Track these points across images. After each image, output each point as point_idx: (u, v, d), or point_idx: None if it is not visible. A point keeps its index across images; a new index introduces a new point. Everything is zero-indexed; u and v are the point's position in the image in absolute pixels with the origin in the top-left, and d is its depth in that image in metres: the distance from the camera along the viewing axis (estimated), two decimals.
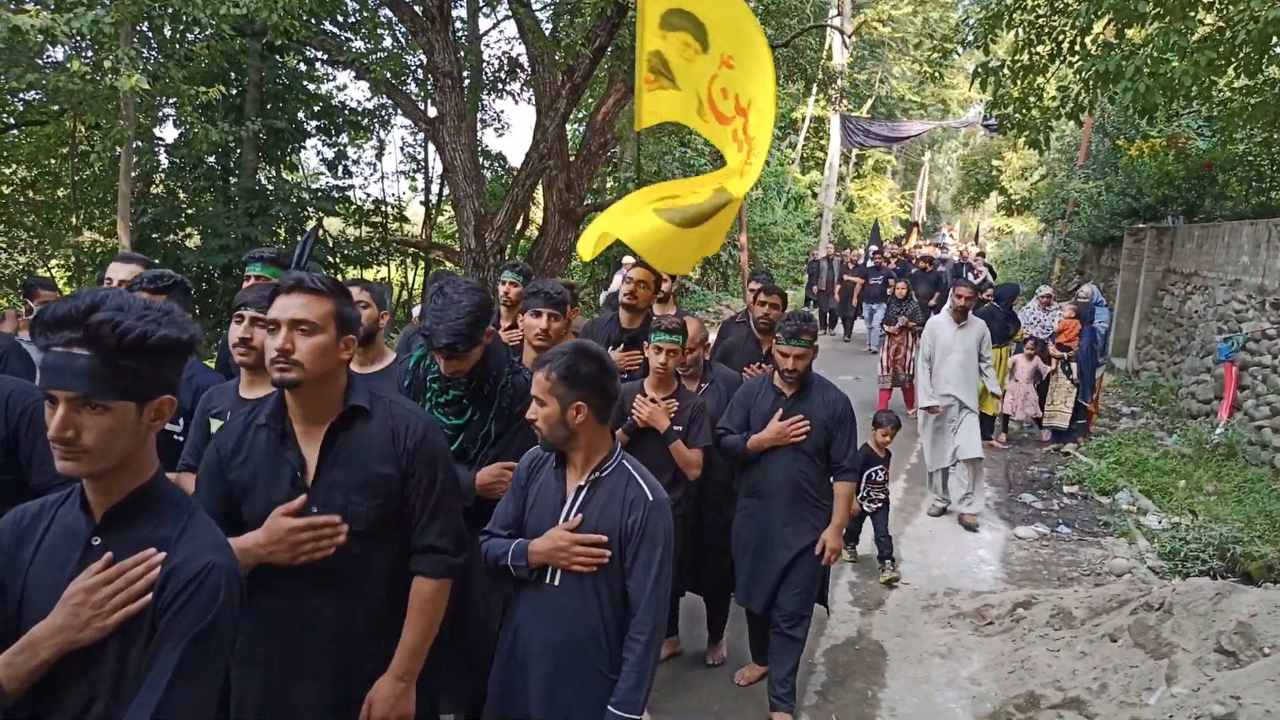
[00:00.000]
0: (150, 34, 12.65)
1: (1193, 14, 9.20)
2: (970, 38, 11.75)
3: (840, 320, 18.25)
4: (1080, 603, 5.21)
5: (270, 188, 15.66)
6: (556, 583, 2.59)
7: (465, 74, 14.52)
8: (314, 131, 17.19)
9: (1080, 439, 10.05)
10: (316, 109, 16.88)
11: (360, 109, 17.46)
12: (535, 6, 14.83)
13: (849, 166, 35.45)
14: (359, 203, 18.11)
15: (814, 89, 20.80)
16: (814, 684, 4.66)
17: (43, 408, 1.68)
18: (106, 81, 9.75)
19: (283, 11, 9.57)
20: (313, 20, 13.24)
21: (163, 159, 15.44)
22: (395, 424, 2.36)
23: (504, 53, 20.61)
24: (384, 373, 3.51)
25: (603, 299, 14.00)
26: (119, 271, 3.83)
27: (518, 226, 15.64)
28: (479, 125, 17.18)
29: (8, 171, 15.23)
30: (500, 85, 17.06)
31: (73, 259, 14.51)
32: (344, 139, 17.90)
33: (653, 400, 4.05)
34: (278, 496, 2.28)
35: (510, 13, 14.78)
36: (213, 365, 4.23)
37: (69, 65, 9.37)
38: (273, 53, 14.85)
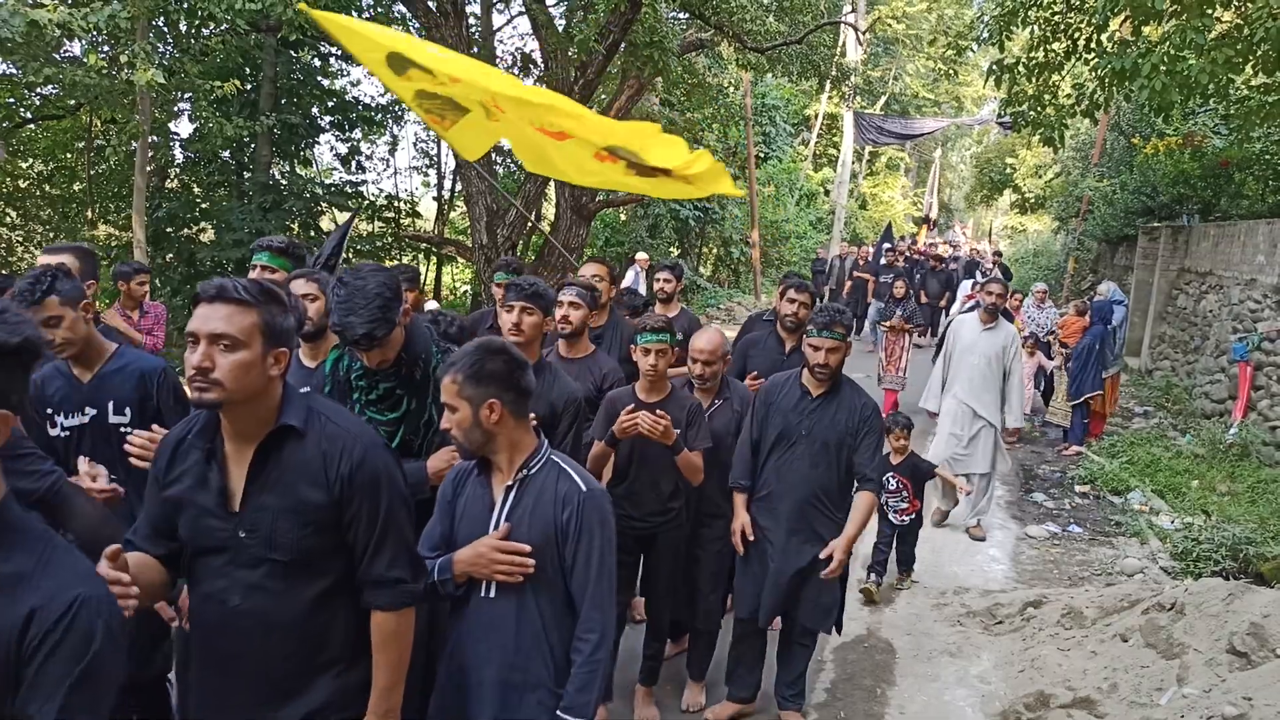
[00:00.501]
0: (166, 29, 12.71)
1: (1210, 11, 9.12)
2: (985, 35, 11.70)
3: (856, 319, 18.09)
4: (1091, 602, 5.19)
5: (284, 183, 15.72)
6: (491, 594, 2.43)
7: None
8: (328, 127, 17.24)
9: (1088, 438, 10.01)
10: (330, 104, 16.93)
11: (374, 104, 17.51)
12: (549, 2, 14.83)
13: (862, 164, 35.36)
14: (372, 198, 18.16)
15: (827, 86, 20.74)
16: (823, 682, 4.66)
17: None
18: (123, 76, 9.82)
19: (297, 7, 9.61)
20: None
21: (178, 154, 15.52)
22: (329, 446, 2.13)
23: (517, 48, 20.69)
24: (322, 366, 3.38)
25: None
26: (47, 259, 3.59)
27: (529, 223, 15.64)
28: None
29: (24, 165, 15.34)
30: None
31: None
32: (358, 134, 17.95)
33: (645, 410, 3.76)
34: (206, 517, 2.13)
35: (524, 8, 14.79)
36: None
37: (86, 60, 9.43)
38: (287, 48, 14.90)
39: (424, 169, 20.15)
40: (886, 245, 18.68)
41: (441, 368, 2.44)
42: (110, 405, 3.04)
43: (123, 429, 3.01)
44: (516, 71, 16.82)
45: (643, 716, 4.18)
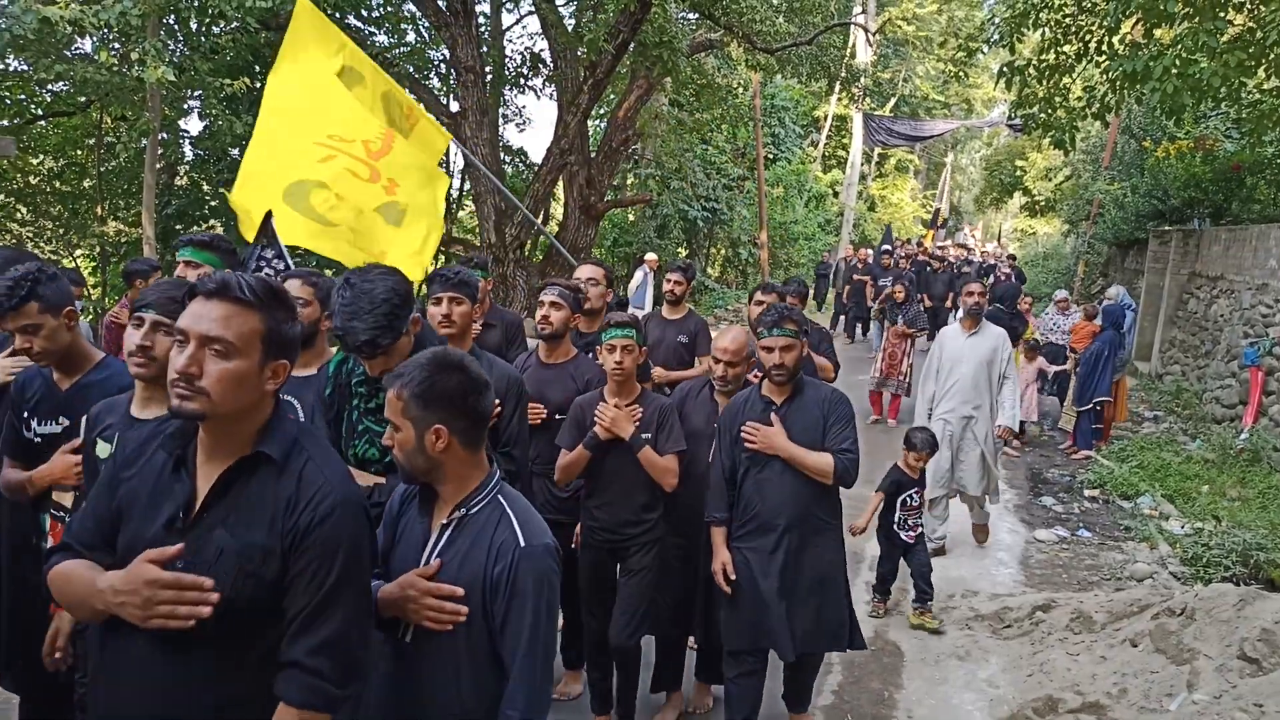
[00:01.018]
0: (176, 26, 12.72)
1: (1222, 14, 9.08)
2: (995, 36, 11.65)
3: (855, 322, 17.78)
4: (1100, 607, 5.16)
5: None
6: (408, 639, 2.11)
7: (488, 69, 14.56)
8: None
9: (1097, 443, 9.96)
10: None
11: None
12: (558, 2, 14.83)
13: (871, 165, 35.31)
14: None
15: (837, 87, 20.71)
16: (830, 684, 4.64)
17: None
18: (133, 73, 9.83)
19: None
20: (337, 14, 13.29)
21: (187, 151, 15.54)
22: (300, 489, 1.82)
23: (526, 48, 20.70)
24: (316, 376, 3.21)
25: (630, 291, 13.98)
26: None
27: (539, 221, 15.64)
28: (501, 120, 17.23)
29: (35, 162, 15.39)
30: (522, 80, 17.11)
31: (98, 249, 14.66)
32: None
33: (615, 405, 3.67)
34: (149, 532, 1.82)
35: (533, 8, 14.80)
36: None
37: (97, 56, 9.45)
38: None
39: None
40: (885, 248, 18.59)
41: (388, 378, 2.13)
42: (85, 419, 2.76)
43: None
44: (526, 71, 16.84)
45: None
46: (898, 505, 5.44)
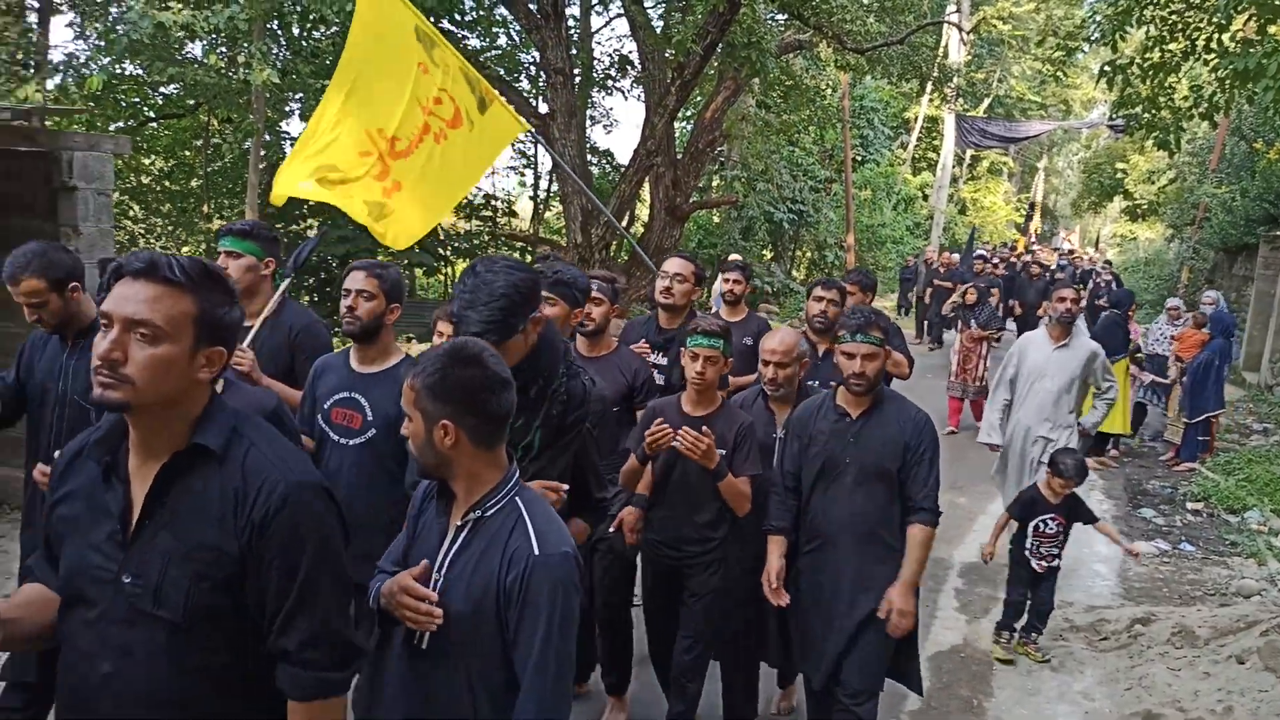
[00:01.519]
0: (280, 31, 13.20)
1: None
2: (1096, 35, 11.26)
3: (934, 328, 16.97)
4: (1204, 622, 4.95)
5: None
6: (424, 645, 2.01)
7: (576, 71, 14.70)
8: None
9: (1202, 455, 9.54)
10: None
11: None
12: (647, 3, 14.91)
13: (963, 168, 34.55)
14: (470, 197, 18.53)
15: (928, 87, 20.32)
16: None
17: None
18: (239, 76, 10.24)
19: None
20: (431, 18, 13.60)
21: (287, 151, 16.12)
22: (246, 480, 1.69)
23: (615, 50, 20.84)
24: (387, 373, 3.22)
25: (713, 293, 13.97)
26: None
27: (624, 223, 15.74)
28: (588, 122, 17.40)
29: (147, 162, 16.16)
30: (610, 82, 17.24)
31: (204, 245, 15.31)
32: None
33: (688, 424, 3.37)
34: (91, 551, 1.69)
35: (622, 10, 14.89)
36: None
37: (206, 60, 9.87)
38: None
39: (521, 169, 20.47)
40: (980, 254, 18.04)
41: (404, 366, 2.11)
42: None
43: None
44: (614, 73, 16.96)
45: None
46: (1029, 530, 4.94)
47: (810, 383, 4.28)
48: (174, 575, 1.64)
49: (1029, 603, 4.98)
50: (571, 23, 15.27)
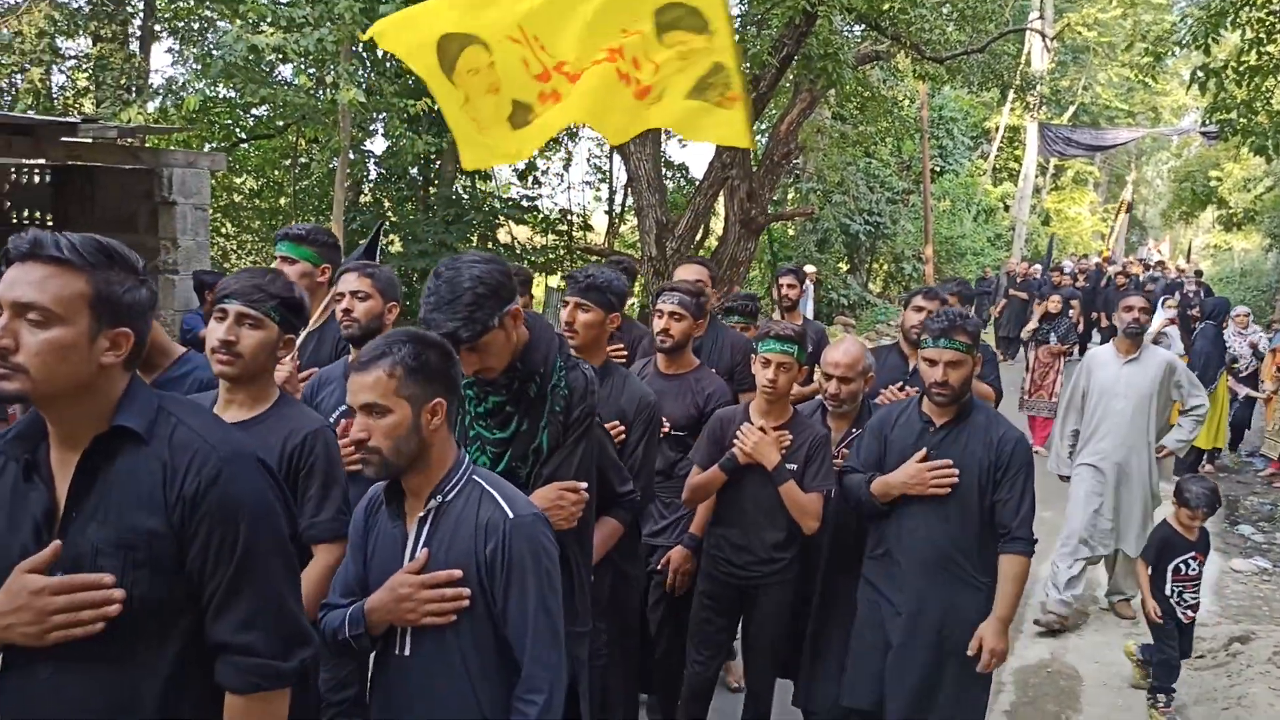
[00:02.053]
0: (364, 53, 13.61)
1: None
2: (1188, 39, 10.92)
3: (1007, 341, 16.65)
4: None
5: (465, 197, 16.50)
6: (406, 652, 1.95)
7: None
8: None
9: None
10: None
11: None
12: None
13: (1046, 178, 33.72)
14: (546, 212, 18.81)
15: (1010, 96, 19.92)
16: (1001, 703, 4.44)
17: None
18: (327, 96, 10.59)
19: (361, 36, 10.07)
20: None
21: (371, 170, 16.59)
22: (174, 457, 1.57)
23: None
24: None
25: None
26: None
27: (698, 236, 15.76)
28: (663, 135, 17.49)
29: (239, 181, 16.82)
30: None
31: None
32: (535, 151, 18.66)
33: (760, 429, 3.24)
34: (14, 554, 1.57)
35: None
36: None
37: (296, 80, 10.23)
38: None
39: (596, 184, 20.68)
40: (1066, 265, 17.50)
41: (360, 358, 1.94)
42: None
43: None
44: None
45: None
46: (1169, 573, 4.40)
47: (873, 400, 3.95)
48: (107, 568, 1.53)
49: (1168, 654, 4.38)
50: None
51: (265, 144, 16.23)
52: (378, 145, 16.81)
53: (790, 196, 20.61)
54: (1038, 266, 18.35)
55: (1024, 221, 28.20)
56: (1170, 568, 4.40)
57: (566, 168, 19.50)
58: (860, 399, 3.54)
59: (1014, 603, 3.06)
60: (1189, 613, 4.40)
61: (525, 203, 18.47)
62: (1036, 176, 30.09)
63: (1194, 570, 4.41)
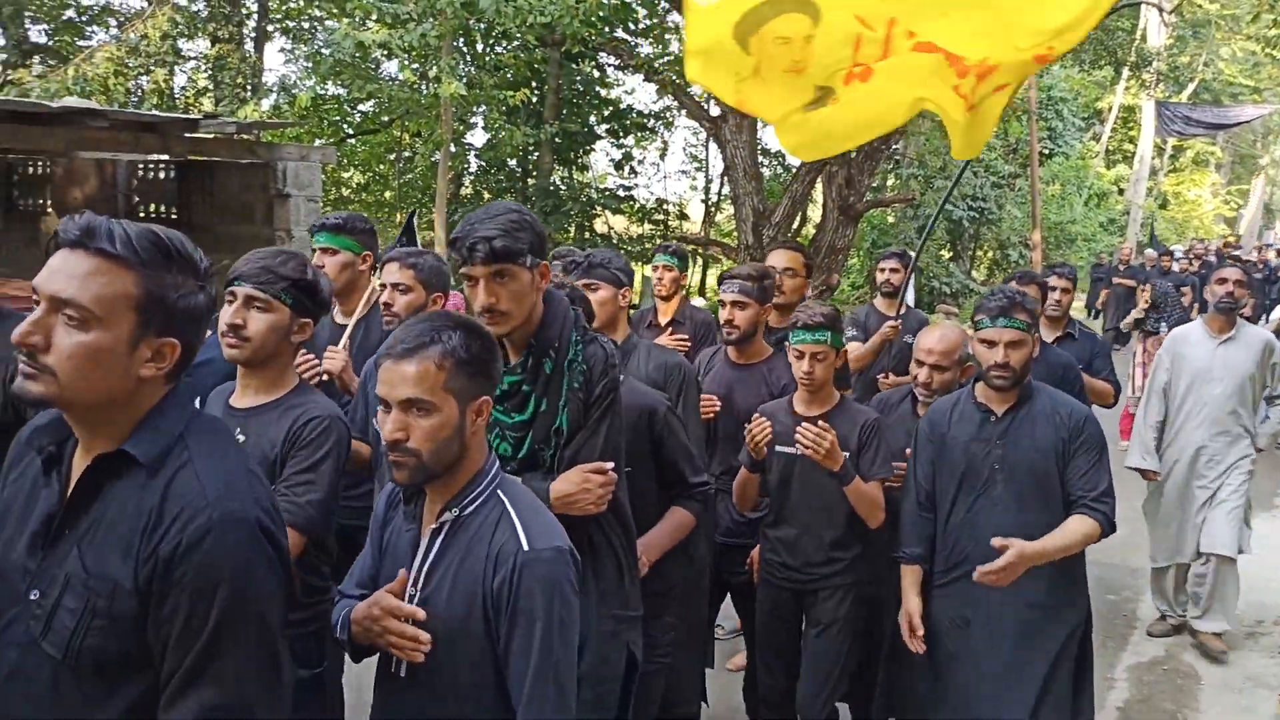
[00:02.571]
0: (465, 47, 13.92)
1: None
2: None
3: (1110, 330, 15.82)
4: None
5: (563, 188, 16.73)
6: (402, 673, 1.75)
7: None
8: (604, 134, 18.17)
9: None
10: (607, 113, 17.85)
11: (647, 111, 18.23)
12: None
13: (1163, 159, 32.20)
14: (643, 201, 18.92)
15: (1124, 74, 19.04)
16: (1114, 699, 4.29)
17: None
18: (430, 90, 10.88)
19: (582, 19, 10.20)
20: (606, 28, 13.98)
21: (472, 162, 16.96)
22: (165, 503, 1.35)
23: None
24: None
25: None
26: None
27: (795, 223, 15.61)
28: (759, 123, 17.35)
29: (346, 175, 17.42)
30: None
31: None
32: (631, 141, 18.79)
33: (809, 421, 2.99)
34: (13, 551, 1.42)
35: None
36: None
37: (400, 75, 10.54)
38: (569, 60, 15.85)
39: (692, 173, 20.70)
40: (1178, 250, 16.61)
41: (398, 345, 1.70)
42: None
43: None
44: None
45: None
46: None
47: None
48: (69, 604, 1.34)
49: None
50: None
51: (371, 139, 16.77)
52: (478, 138, 17.20)
53: (890, 183, 20.21)
54: (1151, 252, 17.50)
55: (1139, 205, 26.99)
56: None
57: (663, 157, 19.62)
58: (955, 389, 3.22)
59: (1057, 549, 2.73)
60: None
61: (621, 192, 18.61)
62: (1153, 158, 28.75)
63: None
